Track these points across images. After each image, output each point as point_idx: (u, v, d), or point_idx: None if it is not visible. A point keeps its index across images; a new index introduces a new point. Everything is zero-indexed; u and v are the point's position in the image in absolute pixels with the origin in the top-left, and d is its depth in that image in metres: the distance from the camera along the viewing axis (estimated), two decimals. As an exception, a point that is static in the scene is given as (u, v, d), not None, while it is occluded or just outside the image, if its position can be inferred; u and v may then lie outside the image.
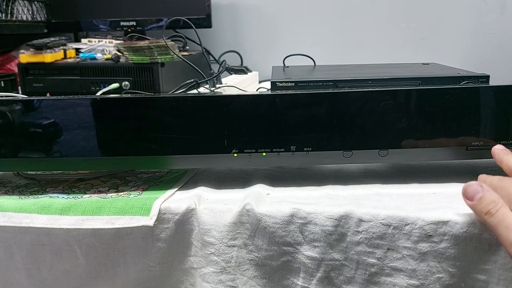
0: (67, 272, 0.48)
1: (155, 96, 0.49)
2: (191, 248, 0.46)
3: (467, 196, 0.40)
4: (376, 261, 0.43)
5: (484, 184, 0.39)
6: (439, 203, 0.44)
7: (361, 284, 0.44)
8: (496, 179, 0.43)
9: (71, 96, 0.49)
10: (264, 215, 0.44)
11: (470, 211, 0.40)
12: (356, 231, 0.43)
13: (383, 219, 0.42)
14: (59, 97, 0.49)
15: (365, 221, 0.42)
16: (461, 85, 0.57)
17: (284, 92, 0.48)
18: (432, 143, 0.48)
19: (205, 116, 0.47)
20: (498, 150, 0.45)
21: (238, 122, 0.47)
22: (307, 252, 0.44)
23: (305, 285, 0.45)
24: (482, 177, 0.45)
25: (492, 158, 0.46)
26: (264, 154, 0.48)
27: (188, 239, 0.46)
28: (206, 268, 0.46)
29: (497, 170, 0.46)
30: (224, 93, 0.74)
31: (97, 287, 0.48)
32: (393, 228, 0.42)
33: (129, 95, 0.54)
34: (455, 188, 0.47)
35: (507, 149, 0.46)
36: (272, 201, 0.45)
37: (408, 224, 0.42)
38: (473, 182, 0.40)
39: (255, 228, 0.44)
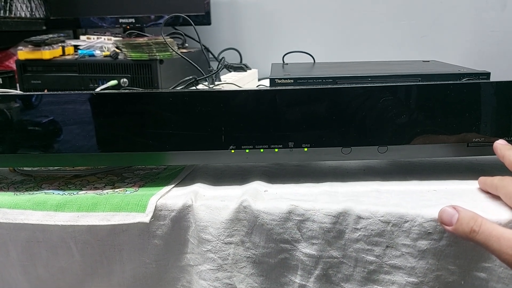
0: (62, 269, 0.47)
1: (152, 92, 0.49)
2: (188, 245, 0.46)
3: (444, 222, 0.39)
4: (374, 258, 0.42)
5: (457, 206, 0.39)
6: (439, 200, 0.43)
7: (359, 282, 0.43)
8: (496, 178, 0.43)
9: (67, 92, 0.48)
10: (262, 212, 0.43)
11: (471, 208, 0.39)
12: (355, 228, 0.42)
13: (382, 216, 0.42)
14: (55, 93, 0.48)
15: (363, 218, 0.42)
16: (462, 81, 0.56)
17: (281, 87, 0.48)
18: (432, 140, 0.47)
19: (202, 112, 0.47)
20: (500, 145, 0.45)
21: (235, 118, 0.47)
22: (305, 249, 0.43)
23: (303, 282, 0.44)
24: (482, 179, 0.45)
25: (493, 155, 0.46)
26: (261, 150, 0.48)
27: (185, 236, 0.46)
28: (202, 265, 0.45)
29: (497, 167, 0.46)
30: (221, 89, 0.74)
31: (93, 284, 0.48)
32: (392, 225, 0.41)
33: (127, 91, 0.53)
34: (455, 185, 0.47)
35: (509, 144, 0.45)
36: (269, 198, 0.45)
37: (408, 221, 0.41)
38: (445, 207, 0.39)
39: (252, 225, 0.44)
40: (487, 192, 0.44)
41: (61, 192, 0.48)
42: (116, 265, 0.47)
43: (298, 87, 0.47)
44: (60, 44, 0.95)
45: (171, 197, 0.46)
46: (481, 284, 0.41)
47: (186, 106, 0.47)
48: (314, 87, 0.47)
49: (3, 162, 0.50)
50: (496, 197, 0.43)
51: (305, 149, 0.48)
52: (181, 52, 0.91)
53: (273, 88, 0.48)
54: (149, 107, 0.47)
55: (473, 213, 0.38)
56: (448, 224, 0.38)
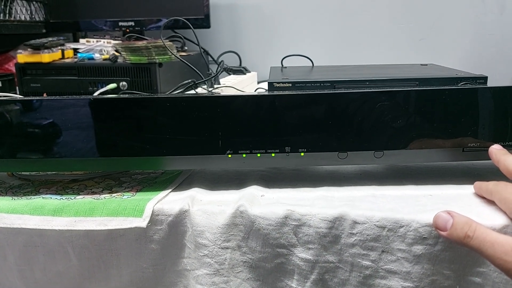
0: (60, 273, 0.47)
1: (149, 96, 0.49)
2: (185, 250, 0.46)
3: (439, 227, 0.39)
4: (370, 263, 0.42)
5: (451, 211, 0.39)
6: (434, 205, 0.43)
7: (355, 287, 0.43)
8: (491, 184, 0.43)
9: (65, 96, 0.49)
10: (258, 216, 0.43)
11: (466, 213, 0.39)
12: (351, 233, 0.42)
13: (377, 221, 0.42)
14: (53, 97, 0.48)
15: (359, 223, 0.42)
16: (458, 86, 0.56)
17: (278, 92, 0.48)
18: (428, 144, 0.47)
19: (199, 116, 0.47)
20: (496, 150, 0.45)
21: (232, 122, 0.47)
22: (301, 254, 0.43)
23: (299, 287, 0.44)
24: (477, 184, 0.45)
25: (488, 159, 0.46)
26: (258, 155, 0.48)
27: (182, 241, 0.46)
28: (199, 270, 0.45)
29: (493, 172, 0.46)
30: (218, 94, 0.74)
31: (90, 289, 0.48)
32: (387, 230, 0.42)
33: (126, 95, 0.54)
34: (451, 190, 0.47)
35: (504, 149, 0.45)
36: (266, 203, 0.45)
37: (403, 226, 0.41)
38: (440, 213, 0.39)
39: (249, 230, 0.44)
40: (483, 197, 0.44)
41: (58, 197, 0.48)
42: (113, 270, 0.47)
43: (295, 92, 0.47)
44: (59, 47, 0.96)
45: (168, 202, 0.46)
46: (477, 289, 0.41)
47: (183, 111, 0.47)
48: (311, 92, 0.47)
49: (1, 166, 0.50)
50: (491, 202, 0.43)
51: (302, 154, 0.48)
52: (180, 55, 0.91)
53: (270, 93, 0.49)
54: (147, 112, 0.47)
55: (468, 219, 0.38)
56: (443, 229, 0.38)
